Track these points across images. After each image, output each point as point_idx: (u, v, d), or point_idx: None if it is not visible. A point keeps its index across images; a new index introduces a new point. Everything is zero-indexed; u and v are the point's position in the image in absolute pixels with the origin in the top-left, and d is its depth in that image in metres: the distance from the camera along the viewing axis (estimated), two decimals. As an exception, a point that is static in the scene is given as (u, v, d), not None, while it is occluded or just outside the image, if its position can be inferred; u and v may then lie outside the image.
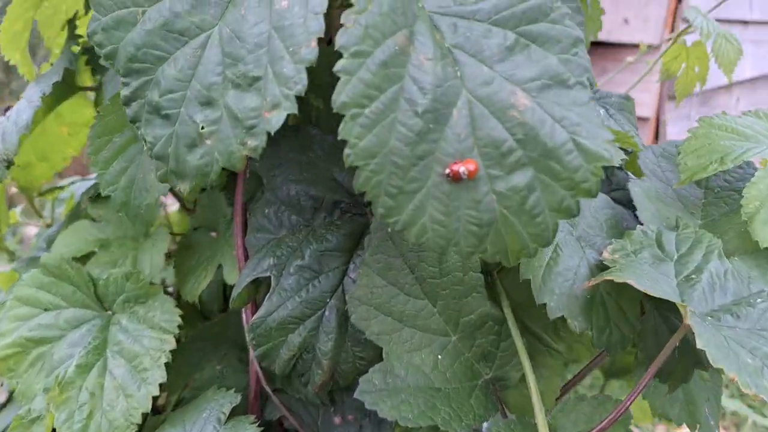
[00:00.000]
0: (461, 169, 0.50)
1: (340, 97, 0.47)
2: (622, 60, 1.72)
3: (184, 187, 0.54)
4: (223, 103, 0.51)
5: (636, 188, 0.80)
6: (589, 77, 0.51)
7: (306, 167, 0.80)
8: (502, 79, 0.50)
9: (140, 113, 0.53)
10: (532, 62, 0.50)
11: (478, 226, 0.51)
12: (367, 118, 0.48)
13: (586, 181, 0.49)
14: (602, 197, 0.81)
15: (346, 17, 0.47)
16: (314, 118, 0.83)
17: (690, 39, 1.17)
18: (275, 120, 0.49)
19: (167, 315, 0.84)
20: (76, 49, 0.95)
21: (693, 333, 0.53)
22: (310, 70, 0.51)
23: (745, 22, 2.58)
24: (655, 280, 0.64)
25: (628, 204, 0.84)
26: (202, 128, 0.51)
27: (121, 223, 0.94)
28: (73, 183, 1.25)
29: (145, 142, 0.54)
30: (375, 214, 0.51)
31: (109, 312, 0.86)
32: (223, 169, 0.52)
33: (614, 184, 0.88)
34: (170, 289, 1.07)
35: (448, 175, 0.50)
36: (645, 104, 1.65)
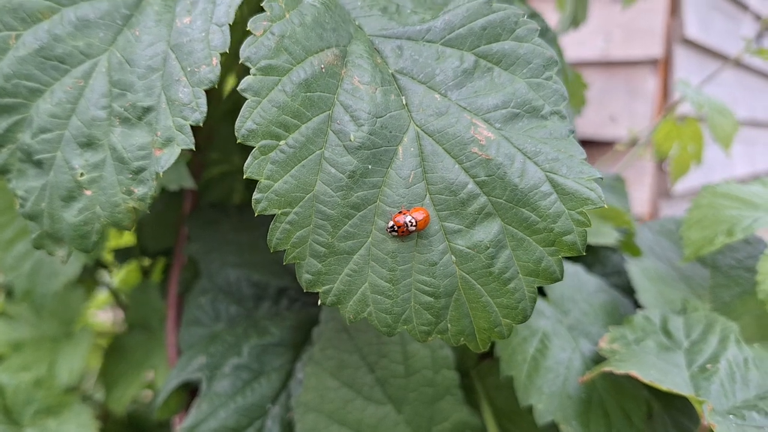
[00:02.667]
0: (407, 219, 0.38)
1: (246, 123, 0.36)
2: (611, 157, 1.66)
3: (62, 254, 0.42)
4: (107, 143, 0.40)
5: (634, 268, 0.69)
6: (567, 107, 0.40)
7: (249, 249, 0.69)
8: (458, 108, 0.40)
9: (11, 162, 0.42)
10: (496, 88, 0.40)
11: (433, 296, 0.39)
12: (282, 153, 0.37)
13: (568, 233, 0.38)
14: (596, 281, 0.70)
15: (255, 24, 0.37)
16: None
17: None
18: (166, 158, 0.38)
19: (83, 429, 0.71)
20: None
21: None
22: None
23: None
24: (663, 372, 0.52)
25: (626, 289, 0.73)
26: (81, 175, 0.40)
27: (41, 321, 0.81)
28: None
29: (17, 198, 0.43)
30: (299, 280, 0.40)
31: (18, 425, 0.73)
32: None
33: (608, 267, 0.77)
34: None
35: (391, 229, 0.39)
36: (639, 201, 1.58)
